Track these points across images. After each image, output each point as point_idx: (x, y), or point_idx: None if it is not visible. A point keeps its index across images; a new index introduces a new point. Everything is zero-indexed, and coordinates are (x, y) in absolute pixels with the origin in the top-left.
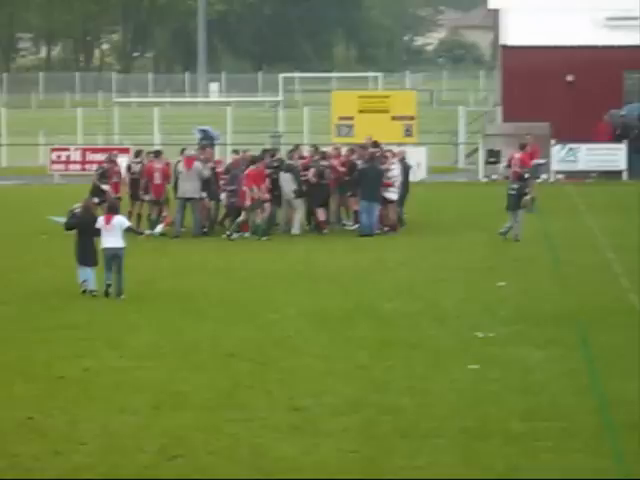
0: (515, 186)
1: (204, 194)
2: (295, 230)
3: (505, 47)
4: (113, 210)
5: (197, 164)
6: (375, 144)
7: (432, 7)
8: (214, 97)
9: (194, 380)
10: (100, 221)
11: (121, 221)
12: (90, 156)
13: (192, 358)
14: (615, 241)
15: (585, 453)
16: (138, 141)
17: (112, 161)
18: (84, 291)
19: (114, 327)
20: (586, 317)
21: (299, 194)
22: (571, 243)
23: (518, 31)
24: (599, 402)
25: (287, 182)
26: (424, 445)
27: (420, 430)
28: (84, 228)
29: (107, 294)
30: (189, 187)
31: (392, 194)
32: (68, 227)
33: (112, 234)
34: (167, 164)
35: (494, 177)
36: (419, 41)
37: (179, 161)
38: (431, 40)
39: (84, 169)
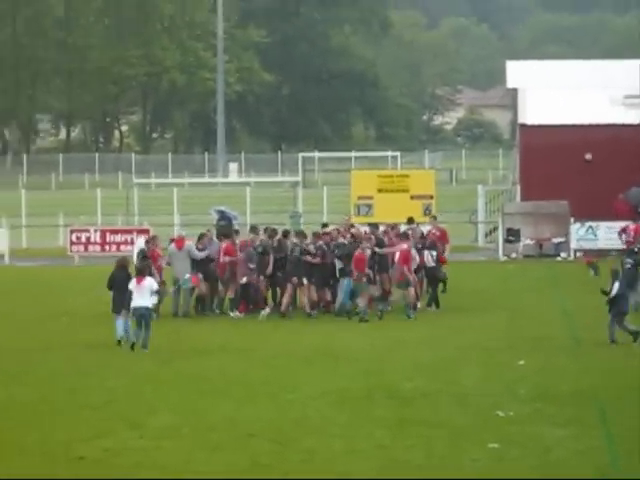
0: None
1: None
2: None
3: (523, 126)
4: (144, 272)
5: (188, 244)
6: (410, 221)
7: (450, 86)
8: (233, 177)
9: (213, 460)
10: (132, 282)
11: (151, 283)
12: (110, 237)
13: (211, 438)
14: (633, 319)
15: None
16: (157, 222)
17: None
18: (119, 342)
19: (133, 407)
20: (605, 395)
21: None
22: (590, 320)
23: (536, 110)
24: None
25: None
26: None
27: None
28: (120, 284)
29: (132, 348)
30: (180, 267)
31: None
32: (108, 286)
33: (141, 294)
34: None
35: (513, 256)
36: (438, 120)
37: (171, 242)
38: (449, 119)
39: (104, 250)
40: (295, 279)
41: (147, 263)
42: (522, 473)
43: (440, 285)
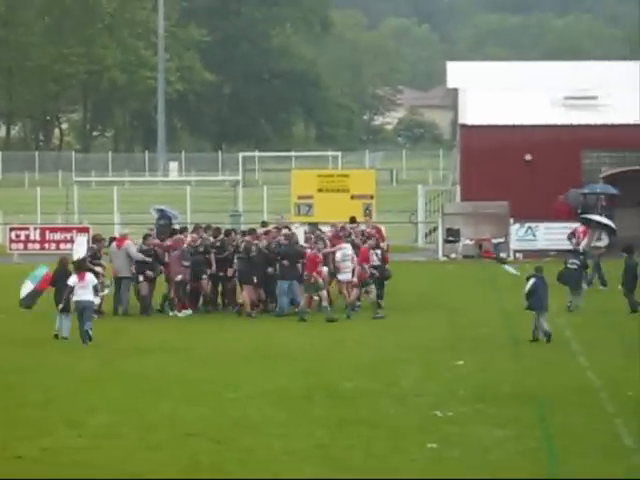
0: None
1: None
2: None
3: (464, 126)
4: (83, 269)
5: (127, 243)
6: (353, 220)
7: (391, 86)
8: (174, 176)
9: (153, 459)
10: (73, 278)
11: (91, 278)
12: (49, 235)
13: (151, 438)
14: (572, 319)
15: None
16: (97, 220)
17: (99, 240)
18: (56, 335)
19: (72, 406)
20: (544, 396)
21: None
22: (529, 321)
23: (476, 110)
24: None
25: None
26: None
27: None
28: (60, 282)
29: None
30: (119, 265)
31: (345, 275)
32: (51, 283)
33: (84, 289)
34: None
35: (453, 256)
36: (378, 120)
37: (111, 241)
38: (390, 119)
39: (43, 248)
40: (254, 278)
41: (85, 260)
42: (461, 473)
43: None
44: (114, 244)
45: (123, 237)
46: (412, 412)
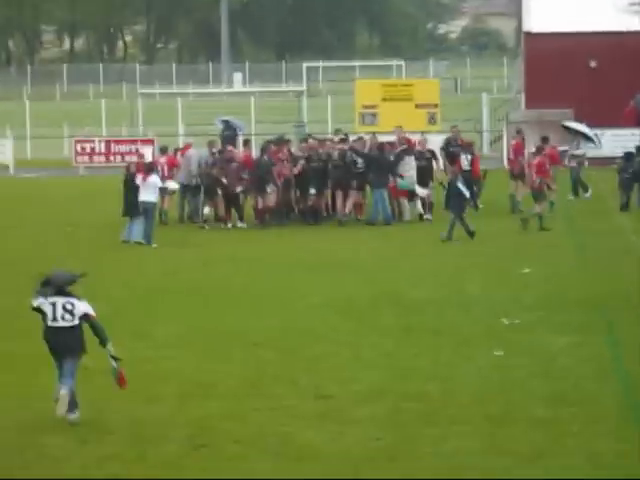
0: None
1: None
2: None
3: (528, 34)
4: (150, 170)
5: (190, 151)
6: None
7: None
8: (238, 87)
9: (220, 370)
10: (138, 178)
11: (155, 180)
12: (114, 147)
13: (217, 348)
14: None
15: (609, 438)
16: (162, 132)
17: (165, 152)
18: (124, 242)
19: (139, 318)
20: (610, 302)
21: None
22: (595, 228)
23: (541, 17)
24: (623, 387)
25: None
26: (449, 432)
27: (445, 417)
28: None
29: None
30: (183, 173)
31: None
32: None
33: (146, 190)
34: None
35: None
36: (442, 29)
37: (176, 152)
38: (454, 28)
39: (108, 160)
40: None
41: (152, 162)
42: (526, 381)
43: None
44: (179, 154)
45: (188, 145)
46: (478, 320)
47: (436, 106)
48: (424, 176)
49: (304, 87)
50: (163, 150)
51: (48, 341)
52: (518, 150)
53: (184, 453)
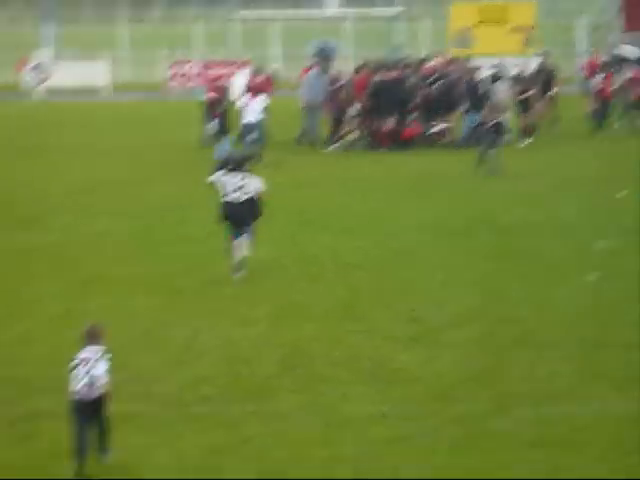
0: None
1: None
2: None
3: None
4: (259, 89)
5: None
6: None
7: None
8: (333, 11)
9: (314, 291)
10: (246, 97)
11: (262, 98)
12: (210, 70)
13: (311, 269)
14: None
15: None
16: (257, 55)
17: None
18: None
19: None
20: None
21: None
22: None
23: None
24: None
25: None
26: (542, 355)
27: (539, 340)
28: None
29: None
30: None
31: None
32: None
33: (252, 110)
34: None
35: (615, 86)
36: None
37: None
38: None
39: (203, 83)
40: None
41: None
42: (620, 304)
43: None
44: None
45: (307, 69)
46: (572, 243)
47: (532, 28)
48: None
49: (398, 9)
50: (258, 71)
51: (225, 214)
52: (593, 67)
53: (278, 374)
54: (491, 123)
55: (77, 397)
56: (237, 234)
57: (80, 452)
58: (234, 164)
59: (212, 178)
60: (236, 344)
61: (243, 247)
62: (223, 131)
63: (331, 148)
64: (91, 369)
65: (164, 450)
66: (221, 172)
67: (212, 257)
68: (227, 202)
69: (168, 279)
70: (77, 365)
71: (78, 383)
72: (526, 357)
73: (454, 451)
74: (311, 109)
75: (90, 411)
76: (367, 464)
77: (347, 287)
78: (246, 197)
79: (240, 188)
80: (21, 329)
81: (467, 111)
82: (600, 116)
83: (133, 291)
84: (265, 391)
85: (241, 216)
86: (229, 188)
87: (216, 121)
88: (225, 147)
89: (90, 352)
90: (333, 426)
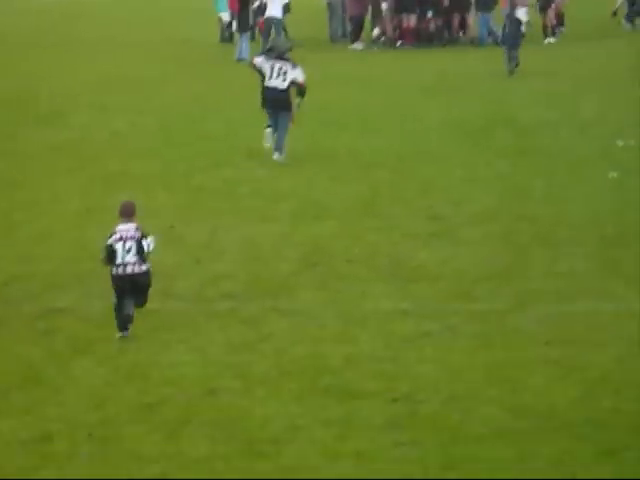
0: None
1: None
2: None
3: None
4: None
5: None
6: None
7: None
8: None
9: (334, 189)
10: None
11: None
12: None
13: (331, 168)
14: None
15: None
16: None
17: None
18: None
19: (253, 137)
20: None
21: None
22: None
23: None
24: None
25: None
26: (562, 252)
27: (559, 238)
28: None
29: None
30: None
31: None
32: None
33: (273, 5)
34: None
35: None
36: None
37: None
38: None
39: None
40: None
41: None
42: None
43: None
44: None
45: None
46: (593, 141)
47: None
48: None
49: None
50: None
51: (265, 97)
52: None
53: (298, 271)
54: (510, 21)
55: (122, 272)
56: (274, 121)
57: (124, 319)
58: (277, 52)
59: (255, 61)
60: (256, 242)
61: (269, 137)
62: (243, 28)
63: (354, 46)
64: (131, 246)
65: (184, 346)
66: (262, 57)
67: (232, 155)
68: (268, 87)
69: (188, 177)
70: (119, 240)
71: (124, 257)
72: (546, 255)
73: (473, 348)
74: (335, 6)
75: (133, 286)
76: (386, 361)
77: (367, 185)
78: (286, 84)
79: (282, 74)
80: (42, 226)
81: (481, 10)
82: (630, 15)
83: (153, 188)
84: (285, 288)
85: (280, 102)
86: (272, 73)
87: (232, 14)
88: (244, 46)
89: (126, 230)
90: (352, 323)
